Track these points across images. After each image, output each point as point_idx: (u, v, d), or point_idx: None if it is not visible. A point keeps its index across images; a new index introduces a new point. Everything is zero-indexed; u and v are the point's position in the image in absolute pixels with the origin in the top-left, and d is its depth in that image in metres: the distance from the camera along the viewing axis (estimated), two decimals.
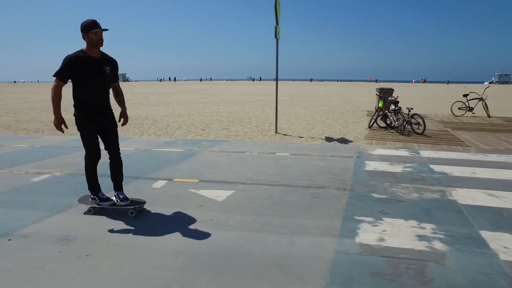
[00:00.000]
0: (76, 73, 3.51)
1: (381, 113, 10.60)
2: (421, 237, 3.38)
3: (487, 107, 14.46)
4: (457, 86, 57.57)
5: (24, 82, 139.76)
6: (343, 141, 8.67)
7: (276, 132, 9.76)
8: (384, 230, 3.52)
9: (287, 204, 4.24)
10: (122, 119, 4.00)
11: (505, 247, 3.18)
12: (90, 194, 3.95)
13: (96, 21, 3.48)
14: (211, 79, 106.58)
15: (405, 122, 9.62)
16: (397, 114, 9.88)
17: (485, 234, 3.45)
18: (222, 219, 3.83)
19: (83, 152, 3.85)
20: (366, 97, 27.40)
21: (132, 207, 3.79)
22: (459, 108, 14.65)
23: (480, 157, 6.88)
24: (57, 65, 3.65)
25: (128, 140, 8.73)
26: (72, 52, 3.54)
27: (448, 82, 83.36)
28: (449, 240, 3.32)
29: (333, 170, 5.76)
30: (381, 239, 3.33)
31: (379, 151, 7.36)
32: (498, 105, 20.05)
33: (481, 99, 14.60)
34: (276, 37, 8.88)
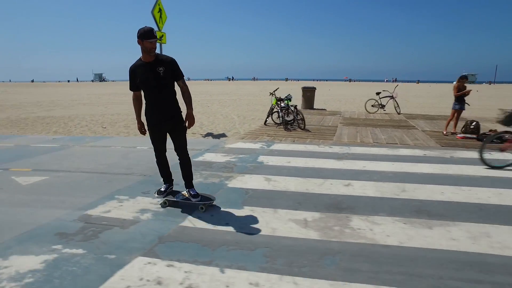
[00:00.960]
0: (136, 80, 3.72)
1: (274, 110, 11.35)
2: (144, 211, 4.11)
3: (398, 105, 15.42)
4: (423, 85, 59.18)
5: None
6: (218, 136, 9.42)
7: None
8: (121, 205, 4.25)
9: (78, 187, 4.97)
10: (187, 121, 3.88)
11: (212, 215, 3.94)
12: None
13: (153, 29, 3.57)
14: (188, 78, 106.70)
15: (294, 118, 10.43)
16: (285, 110, 10.63)
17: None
18: (5, 198, 4.53)
19: None
20: (317, 96, 28.17)
21: (202, 203, 4.03)
22: (372, 106, 15.58)
23: (324, 149, 7.68)
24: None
25: (20, 137, 9.33)
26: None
27: (418, 82, 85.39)
28: (165, 212, 4.09)
29: None
30: (108, 211, 4.06)
31: (237, 144, 8.12)
32: (430, 103, 21.10)
33: (391, 97, 15.56)
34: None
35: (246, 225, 3.73)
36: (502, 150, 6.36)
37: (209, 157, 6.73)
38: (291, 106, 10.69)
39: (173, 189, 4.39)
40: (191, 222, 3.81)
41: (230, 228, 3.67)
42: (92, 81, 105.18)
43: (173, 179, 4.31)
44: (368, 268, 2.93)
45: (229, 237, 3.47)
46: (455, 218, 4.01)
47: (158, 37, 9.27)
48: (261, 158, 6.67)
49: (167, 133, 3.96)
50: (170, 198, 4.16)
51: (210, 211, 4.10)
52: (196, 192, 4.11)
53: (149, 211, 4.08)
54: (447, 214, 4.11)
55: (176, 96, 3.90)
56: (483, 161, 6.16)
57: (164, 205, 4.18)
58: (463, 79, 9.52)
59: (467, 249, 3.29)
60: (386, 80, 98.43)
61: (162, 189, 4.22)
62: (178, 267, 2.89)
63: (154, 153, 4.09)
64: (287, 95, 11.20)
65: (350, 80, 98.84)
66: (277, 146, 7.89)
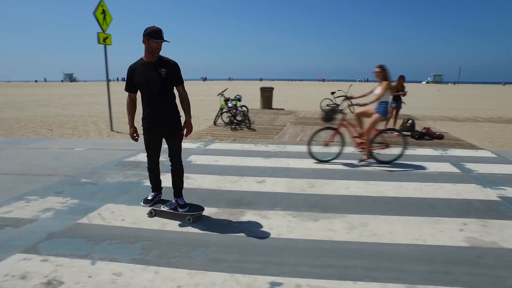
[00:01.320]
0: (134, 80, 3.55)
1: (224, 110, 11.57)
2: (47, 210, 4.24)
3: (352, 104, 15.84)
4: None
5: None
6: None
7: (111, 130, 10.53)
8: (26, 205, 4.38)
9: None
10: (185, 129, 3.78)
11: (112, 212, 4.10)
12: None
13: (161, 31, 3.45)
14: None
15: (242, 118, 10.67)
16: (234, 111, 10.86)
17: (108, 207, 4.35)
18: None
19: None
20: (280, 96, 28.68)
21: (189, 213, 3.87)
22: (327, 105, 15.97)
23: (259, 148, 7.95)
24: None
25: None
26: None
27: None
28: (67, 210, 4.23)
29: (95, 161, 6.58)
30: (9, 212, 4.17)
31: None
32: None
33: (346, 97, 15.98)
34: (99, 42, 9.60)
35: (140, 221, 3.94)
36: (326, 144, 6.78)
37: (141, 157, 6.89)
38: (240, 106, 10.93)
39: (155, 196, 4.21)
40: (89, 219, 3.98)
41: (124, 224, 3.86)
42: (62, 81, 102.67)
43: (162, 188, 4.16)
44: (234, 258, 3.18)
45: (117, 231, 3.66)
46: (346, 210, 4.33)
47: (102, 39, 9.38)
48: (191, 158, 6.88)
49: (163, 139, 3.84)
50: (158, 207, 4.01)
51: (112, 208, 4.27)
52: (184, 202, 3.96)
53: (52, 210, 4.22)
54: (341, 207, 4.43)
55: (175, 101, 3.79)
56: (311, 155, 6.55)
57: (150, 215, 4.01)
58: (401, 78, 9.99)
59: (338, 239, 3.59)
60: (358, 80, 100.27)
61: (149, 198, 4.05)
62: (51, 261, 3.06)
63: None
64: (236, 96, 11.44)
65: (323, 80, 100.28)
66: (213, 146, 8.11)
